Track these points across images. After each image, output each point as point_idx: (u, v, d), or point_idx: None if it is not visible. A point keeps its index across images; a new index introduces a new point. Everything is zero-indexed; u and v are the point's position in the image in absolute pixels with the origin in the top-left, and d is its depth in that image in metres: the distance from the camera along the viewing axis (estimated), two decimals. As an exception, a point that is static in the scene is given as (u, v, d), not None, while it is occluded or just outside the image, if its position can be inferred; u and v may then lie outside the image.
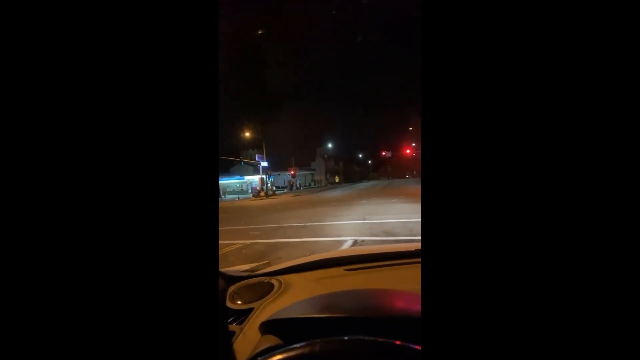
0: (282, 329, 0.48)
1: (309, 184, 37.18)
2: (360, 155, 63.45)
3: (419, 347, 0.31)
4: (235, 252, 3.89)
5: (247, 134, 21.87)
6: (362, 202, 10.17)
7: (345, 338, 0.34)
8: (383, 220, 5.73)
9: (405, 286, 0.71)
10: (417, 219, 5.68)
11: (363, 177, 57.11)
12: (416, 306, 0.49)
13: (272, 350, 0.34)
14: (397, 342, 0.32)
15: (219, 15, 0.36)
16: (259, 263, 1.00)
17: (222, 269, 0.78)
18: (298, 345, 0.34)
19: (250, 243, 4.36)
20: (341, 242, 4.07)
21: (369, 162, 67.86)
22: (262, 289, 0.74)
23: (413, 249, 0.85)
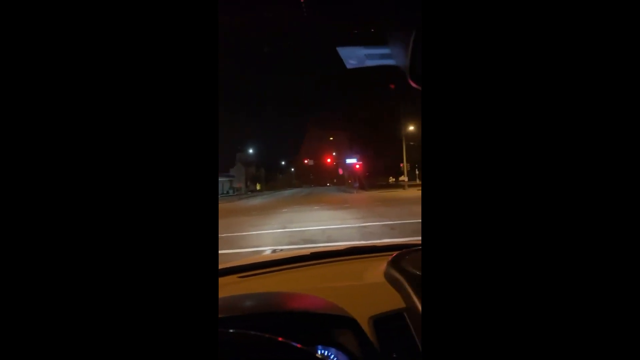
0: None
1: (227, 192, 35.26)
2: (282, 163, 63.81)
3: (299, 345, 0.33)
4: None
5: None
6: (284, 210, 10.21)
7: (231, 331, 0.34)
8: (303, 228, 5.87)
9: (297, 287, 0.73)
10: (336, 225, 6.02)
11: (286, 185, 57.44)
12: (297, 304, 0.52)
13: None
14: (279, 339, 0.33)
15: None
16: None
17: None
18: None
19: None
20: (259, 253, 3.98)
21: (292, 169, 68.81)
22: None
23: (308, 252, 0.90)
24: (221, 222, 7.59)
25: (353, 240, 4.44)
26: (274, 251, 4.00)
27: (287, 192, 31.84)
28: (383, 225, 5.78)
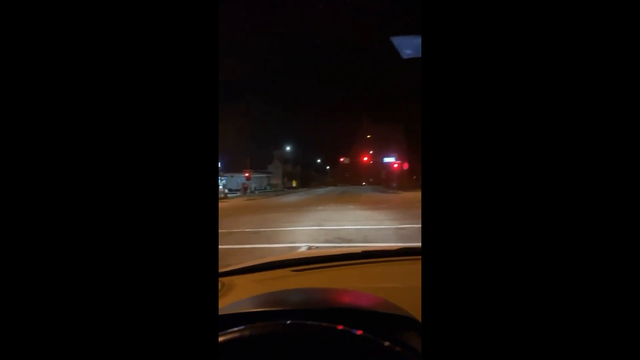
0: (221, 327, 0.47)
1: (265, 188, 36.50)
2: (318, 161, 64.41)
3: (360, 332, 0.32)
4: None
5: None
6: (319, 207, 10.29)
7: (288, 322, 0.33)
8: (339, 226, 5.86)
9: (351, 284, 0.73)
10: (372, 225, 5.92)
11: (321, 183, 57.94)
12: (358, 302, 0.50)
13: None
14: (339, 327, 0.32)
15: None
16: None
17: None
18: (236, 329, 0.32)
19: (196, 250, 4.11)
20: (295, 249, 4.05)
21: (327, 167, 69.20)
22: None
23: (359, 251, 0.89)
24: (258, 218, 7.89)
25: (389, 242, 4.33)
26: (309, 248, 4.05)
27: (321, 190, 32.12)
28: (420, 228, 5.51)
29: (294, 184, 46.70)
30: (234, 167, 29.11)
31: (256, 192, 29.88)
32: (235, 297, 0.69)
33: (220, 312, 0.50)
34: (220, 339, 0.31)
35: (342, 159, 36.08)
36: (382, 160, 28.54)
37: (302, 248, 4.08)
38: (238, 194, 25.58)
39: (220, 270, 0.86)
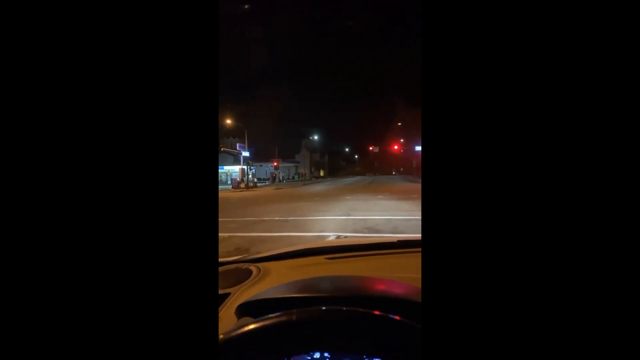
0: (259, 311, 0.49)
1: (293, 177, 37.07)
2: (346, 149, 63.86)
3: (397, 317, 0.32)
4: (211, 246, 3.83)
5: (229, 121, 21.40)
6: (347, 197, 10.27)
7: (323, 308, 0.34)
8: (367, 216, 5.82)
9: (385, 273, 0.73)
10: (402, 216, 5.81)
11: (349, 172, 57.55)
12: (393, 289, 0.50)
13: None
14: (376, 312, 0.33)
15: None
16: (237, 257, 1.00)
17: None
18: (274, 314, 0.33)
19: (228, 236, 4.31)
20: (323, 238, 4.10)
21: (356, 156, 68.43)
22: (239, 275, 0.75)
23: (394, 240, 0.88)
24: (286, 206, 8.06)
25: (420, 233, 4.22)
26: (338, 237, 4.08)
27: (349, 180, 31.94)
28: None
29: (322, 173, 46.86)
30: (263, 157, 29.81)
31: (284, 181, 30.45)
32: (271, 282, 0.71)
33: (258, 297, 0.52)
34: (259, 324, 0.33)
35: (371, 148, 35.42)
36: (414, 148, 27.61)
37: (331, 237, 4.12)
38: (267, 182, 26.24)
39: (255, 256, 0.90)
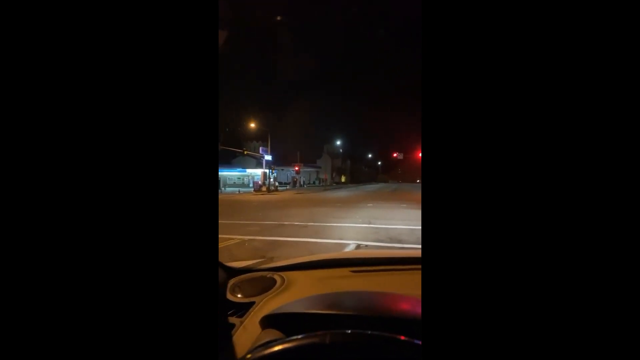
0: (284, 324, 0.48)
1: (314, 182, 37.27)
2: (369, 156, 63.34)
3: (421, 342, 0.32)
4: (232, 248, 3.91)
5: (252, 125, 21.96)
6: (369, 204, 10.16)
7: (348, 331, 0.34)
8: (390, 225, 5.71)
9: (413, 291, 0.70)
10: (426, 227, 5.62)
11: (371, 179, 57.02)
12: (419, 309, 0.49)
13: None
14: (401, 337, 0.33)
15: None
16: (259, 260, 1.00)
17: (222, 262, 0.79)
18: (300, 336, 0.34)
19: (249, 239, 4.38)
20: (343, 246, 4.06)
21: (379, 163, 67.68)
22: (264, 284, 0.75)
23: (420, 255, 0.85)
24: (307, 211, 8.09)
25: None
26: (358, 246, 4.02)
27: (372, 187, 31.61)
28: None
29: (343, 179, 46.76)
30: (284, 161, 30.27)
31: (305, 186, 30.68)
32: (295, 293, 0.70)
33: (282, 310, 0.52)
34: (284, 345, 0.33)
35: (395, 154, 34.91)
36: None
37: (351, 245, 4.07)
38: (288, 187, 26.57)
39: (279, 264, 0.89)
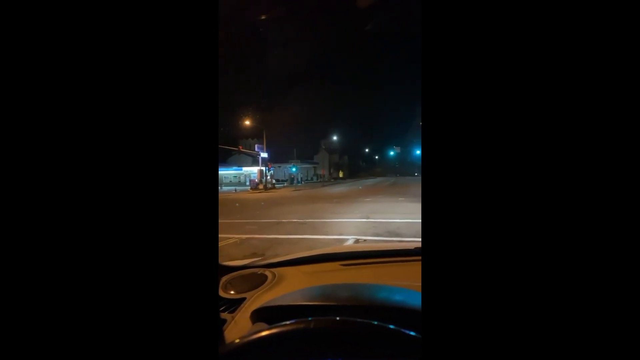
0: (274, 317, 0.50)
1: (311, 178, 37.17)
2: (366, 150, 63.19)
3: (413, 333, 0.32)
4: (230, 247, 3.92)
5: (247, 122, 21.82)
6: (367, 199, 10.18)
7: (337, 318, 0.34)
8: (388, 219, 5.74)
9: (402, 282, 0.72)
10: (425, 220, 5.65)
11: (369, 173, 56.93)
12: (410, 301, 0.50)
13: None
14: (389, 326, 0.33)
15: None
16: (252, 260, 1.03)
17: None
18: (288, 322, 0.34)
19: (246, 238, 4.39)
20: (342, 241, 4.09)
21: (376, 157, 67.58)
22: (255, 280, 0.77)
23: (412, 247, 0.87)
24: (305, 208, 8.09)
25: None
26: (356, 241, 4.05)
27: (370, 181, 31.58)
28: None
29: (341, 174, 46.66)
30: (281, 158, 30.15)
31: (303, 182, 30.59)
32: (286, 288, 0.72)
33: (272, 303, 0.54)
34: (272, 331, 0.34)
35: (392, 149, 34.86)
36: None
37: (350, 240, 4.11)
38: (285, 184, 26.49)
39: (271, 261, 0.92)
